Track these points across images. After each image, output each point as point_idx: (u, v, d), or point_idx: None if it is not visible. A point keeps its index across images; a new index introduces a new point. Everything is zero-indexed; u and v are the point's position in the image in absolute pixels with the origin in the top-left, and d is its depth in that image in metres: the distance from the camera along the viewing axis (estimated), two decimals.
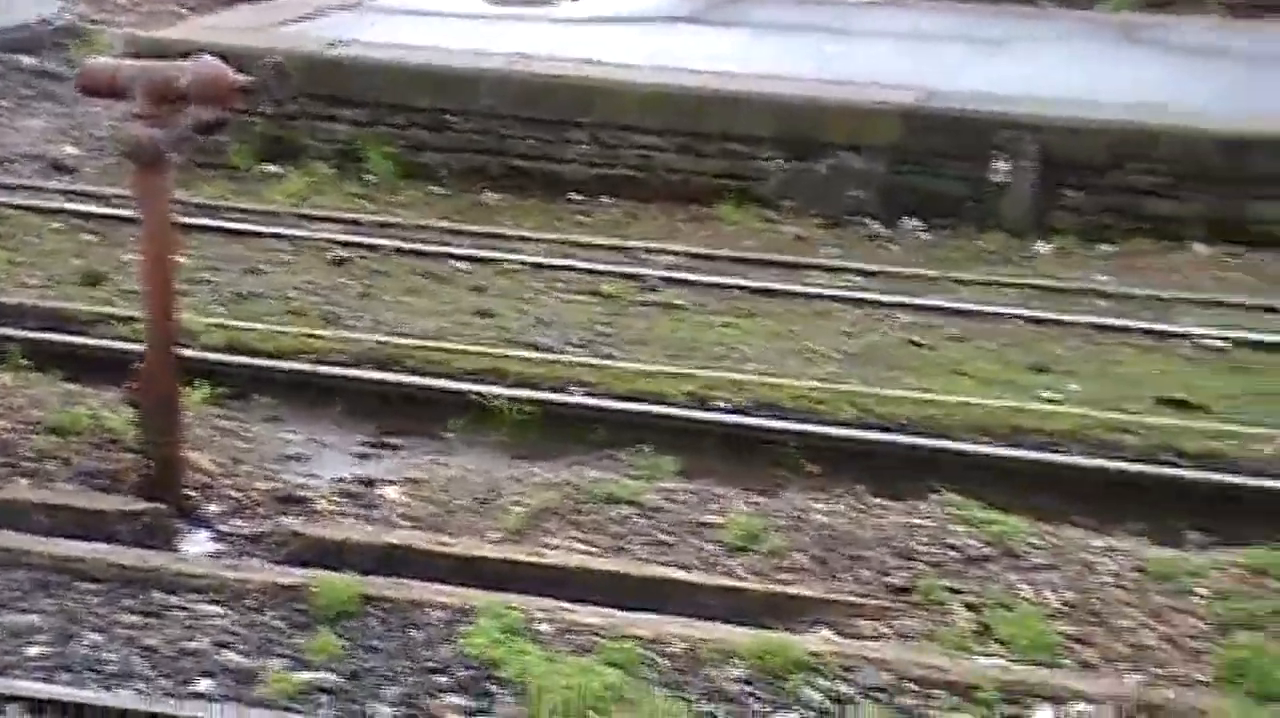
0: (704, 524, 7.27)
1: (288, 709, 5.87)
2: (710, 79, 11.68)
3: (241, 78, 7.03)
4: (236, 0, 14.40)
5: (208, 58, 7.09)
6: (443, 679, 6.05)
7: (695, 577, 6.90)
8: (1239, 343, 9.39)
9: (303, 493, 7.64)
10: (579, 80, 11.75)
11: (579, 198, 11.67)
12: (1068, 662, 6.33)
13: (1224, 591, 6.73)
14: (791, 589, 6.81)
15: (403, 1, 13.66)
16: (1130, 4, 14.26)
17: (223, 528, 7.39)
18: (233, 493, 7.60)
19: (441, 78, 11.92)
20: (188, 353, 7.78)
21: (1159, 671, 6.28)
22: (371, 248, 10.67)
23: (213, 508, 7.49)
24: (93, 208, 11.25)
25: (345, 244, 10.71)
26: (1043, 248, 10.85)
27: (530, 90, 11.78)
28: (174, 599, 6.52)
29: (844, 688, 6.03)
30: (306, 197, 11.63)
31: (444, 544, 7.10)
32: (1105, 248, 10.81)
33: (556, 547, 7.11)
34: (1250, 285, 10.21)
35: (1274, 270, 10.42)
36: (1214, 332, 9.50)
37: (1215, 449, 8.10)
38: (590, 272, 10.33)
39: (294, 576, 6.67)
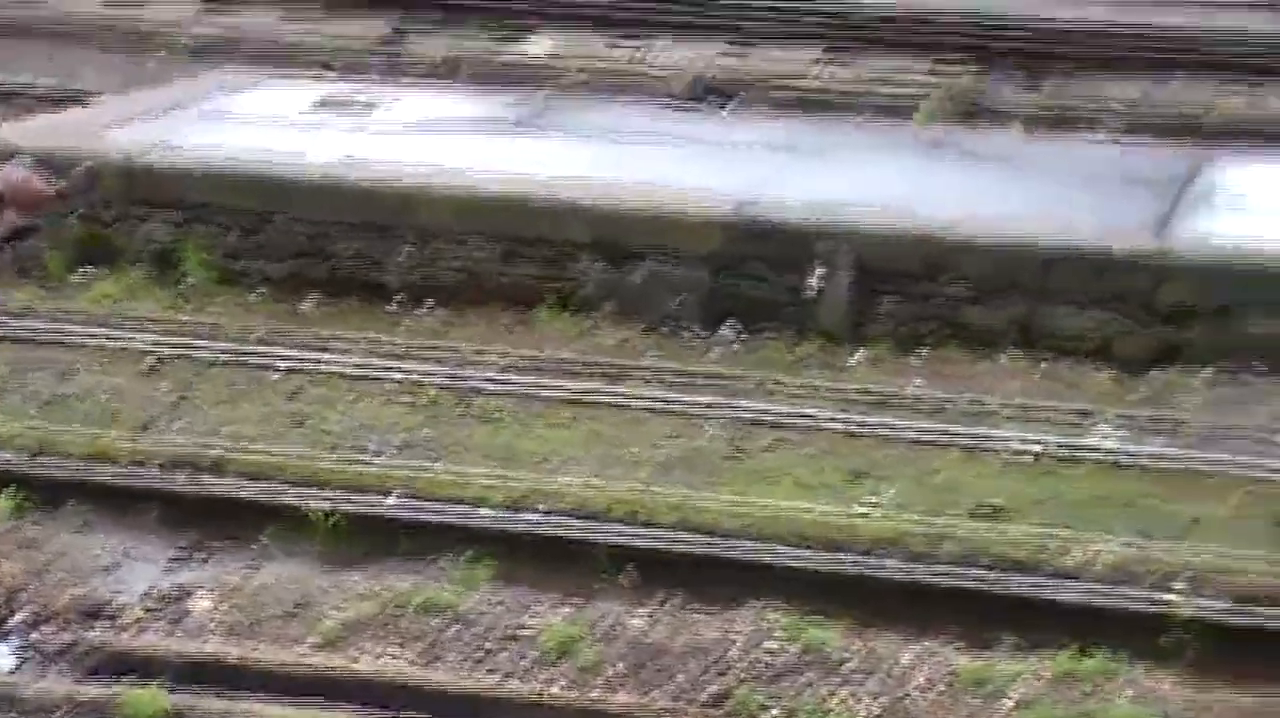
0: (520, 633, 7.25)
1: None
2: (530, 185, 11.73)
3: (53, 183, 6.96)
4: (66, 102, 14.25)
5: (15, 163, 7.02)
6: None
7: (510, 687, 6.87)
8: (1049, 450, 9.54)
9: (112, 604, 7.51)
10: (400, 186, 11.74)
11: (400, 304, 11.63)
12: None
13: (1032, 697, 6.82)
14: (606, 700, 6.80)
15: (226, 106, 13.59)
16: (941, 118, 14.54)
17: (27, 641, 7.24)
18: (39, 605, 7.45)
19: (261, 183, 11.86)
20: None
21: None
22: (187, 353, 10.55)
23: (17, 620, 7.34)
24: None
25: (161, 350, 10.59)
26: (858, 356, 10.98)
27: (351, 196, 11.75)
28: None
29: None
30: (122, 301, 11.50)
31: (256, 655, 7.02)
32: (919, 356, 10.96)
33: (371, 657, 7.05)
34: (1059, 393, 10.39)
35: (1079, 378, 10.62)
36: (1026, 438, 9.65)
37: (1027, 556, 8.21)
38: (410, 378, 10.30)
39: (100, 690, 6.55)
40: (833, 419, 9.88)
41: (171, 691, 6.51)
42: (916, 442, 9.65)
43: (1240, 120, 14.11)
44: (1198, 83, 14.78)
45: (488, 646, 7.13)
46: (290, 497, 8.55)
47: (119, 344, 10.67)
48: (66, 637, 7.18)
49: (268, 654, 6.96)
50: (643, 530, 8.36)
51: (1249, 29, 15.63)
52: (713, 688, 6.83)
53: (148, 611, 7.41)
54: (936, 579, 8.02)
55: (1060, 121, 14.42)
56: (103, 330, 10.90)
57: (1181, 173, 12.22)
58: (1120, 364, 10.71)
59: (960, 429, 9.78)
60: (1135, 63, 15.21)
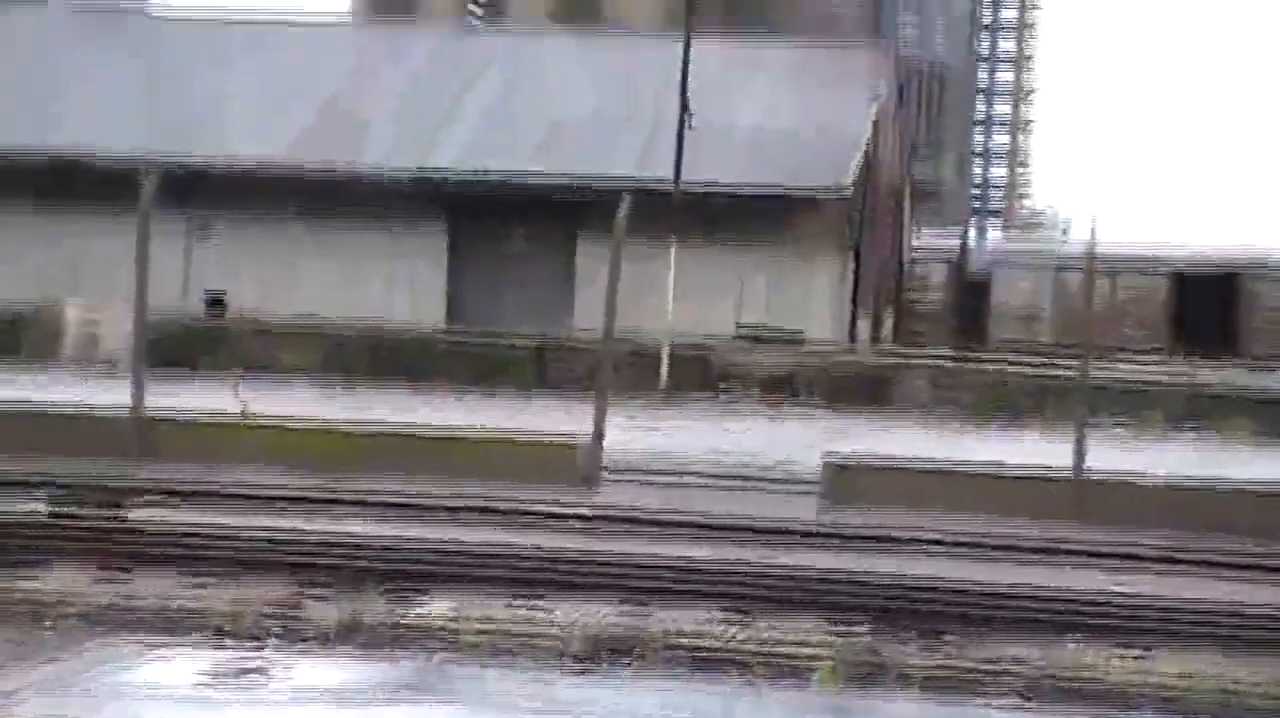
0: None
1: None
2: None
3: None
4: None
5: None
6: None
7: None
8: None
9: None
10: None
11: None
12: None
13: None
14: None
15: (117, 679, 13.40)
16: (840, 680, 14.48)
17: None
18: None
19: None
20: None
21: None
22: None
23: None
24: None
25: None
26: None
27: None
28: None
29: None
30: None
31: None
32: None
33: None
34: None
35: None
36: None
37: None
38: None
39: None
40: None
41: None
42: None
43: (1136, 686, 14.17)
44: (1093, 646, 14.90)
45: None
46: None
47: None
48: None
49: None
50: None
51: (1138, 593, 15.99)
52: None
53: None
54: None
55: (959, 684, 14.40)
56: None
57: None
58: None
59: None
60: (1032, 624, 15.38)
